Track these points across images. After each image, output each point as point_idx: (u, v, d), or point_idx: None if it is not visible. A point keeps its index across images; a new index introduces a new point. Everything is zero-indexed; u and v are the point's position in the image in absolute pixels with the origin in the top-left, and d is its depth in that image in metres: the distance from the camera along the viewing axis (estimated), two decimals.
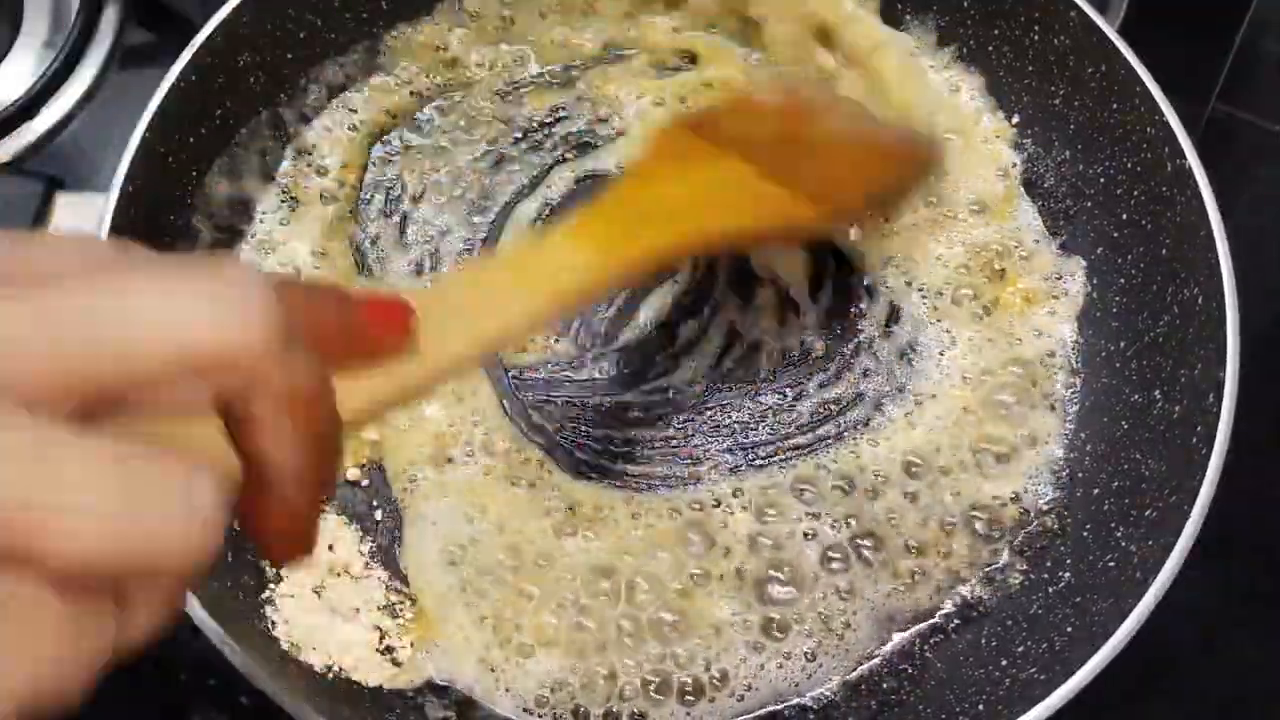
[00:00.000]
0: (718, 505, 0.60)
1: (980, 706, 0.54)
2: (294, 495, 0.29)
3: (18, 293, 0.25)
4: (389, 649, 0.57)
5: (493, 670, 0.56)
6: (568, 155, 0.69)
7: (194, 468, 0.26)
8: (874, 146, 0.63)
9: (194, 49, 0.59)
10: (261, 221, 0.65)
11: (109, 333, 0.25)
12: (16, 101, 0.74)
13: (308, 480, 0.30)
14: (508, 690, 0.56)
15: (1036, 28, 0.66)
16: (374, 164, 0.68)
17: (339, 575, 0.58)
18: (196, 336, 0.26)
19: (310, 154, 0.67)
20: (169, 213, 0.61)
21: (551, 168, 0.68)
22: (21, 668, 0.24)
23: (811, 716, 0.57)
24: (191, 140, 0.61)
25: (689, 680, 0.57)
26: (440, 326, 0.39)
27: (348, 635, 0.57)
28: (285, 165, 0.67)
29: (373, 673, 0.56)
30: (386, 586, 0.58)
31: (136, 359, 0.25)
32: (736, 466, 0.61)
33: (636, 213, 0.52)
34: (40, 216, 0.57)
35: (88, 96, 0.75)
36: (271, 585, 0.57)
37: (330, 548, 0.59)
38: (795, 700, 0.57)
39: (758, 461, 0.61)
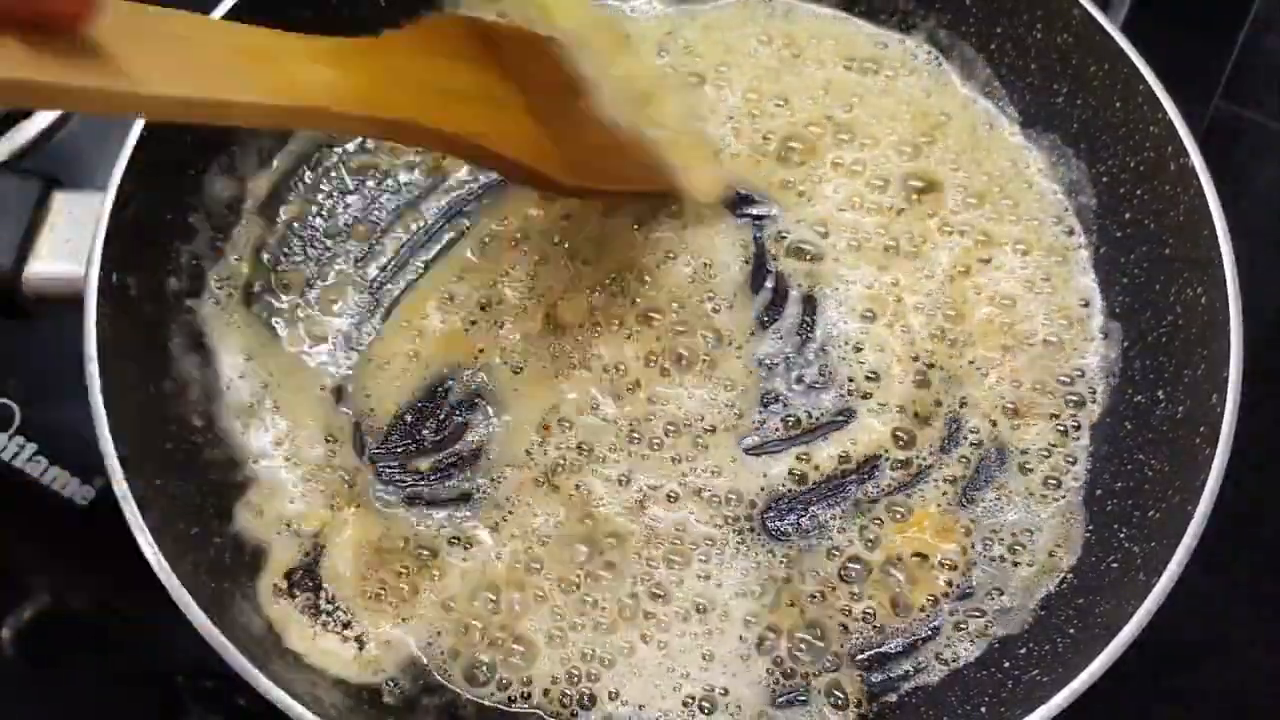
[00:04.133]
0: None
1: (983, 709, 0.54)
2: None
3: None
4: (359, 640, 0.57)
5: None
6: None
7: None
8: (629, 151, 0.60)
9: None
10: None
11: None
12: None
13: None
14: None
15: (1039, 26, 0.65)
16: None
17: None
18: None
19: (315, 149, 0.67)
20: (167, 211, 0.61)
21: None
22: None
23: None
24: (188, 139, 0.61)
25: (682, 690, 0.57)
26: (149, 49, 0.36)
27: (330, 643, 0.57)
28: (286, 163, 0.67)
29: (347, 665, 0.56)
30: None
31: None
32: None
33: (394, 74, 0.48)
34: (37, 216, 0.57)
35: None
36: (271, 585, 0.57)
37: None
38: (798, 704, 0.57)
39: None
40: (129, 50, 0.36)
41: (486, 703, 0.56)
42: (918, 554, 0.59)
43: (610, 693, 0.56)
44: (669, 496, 0.59)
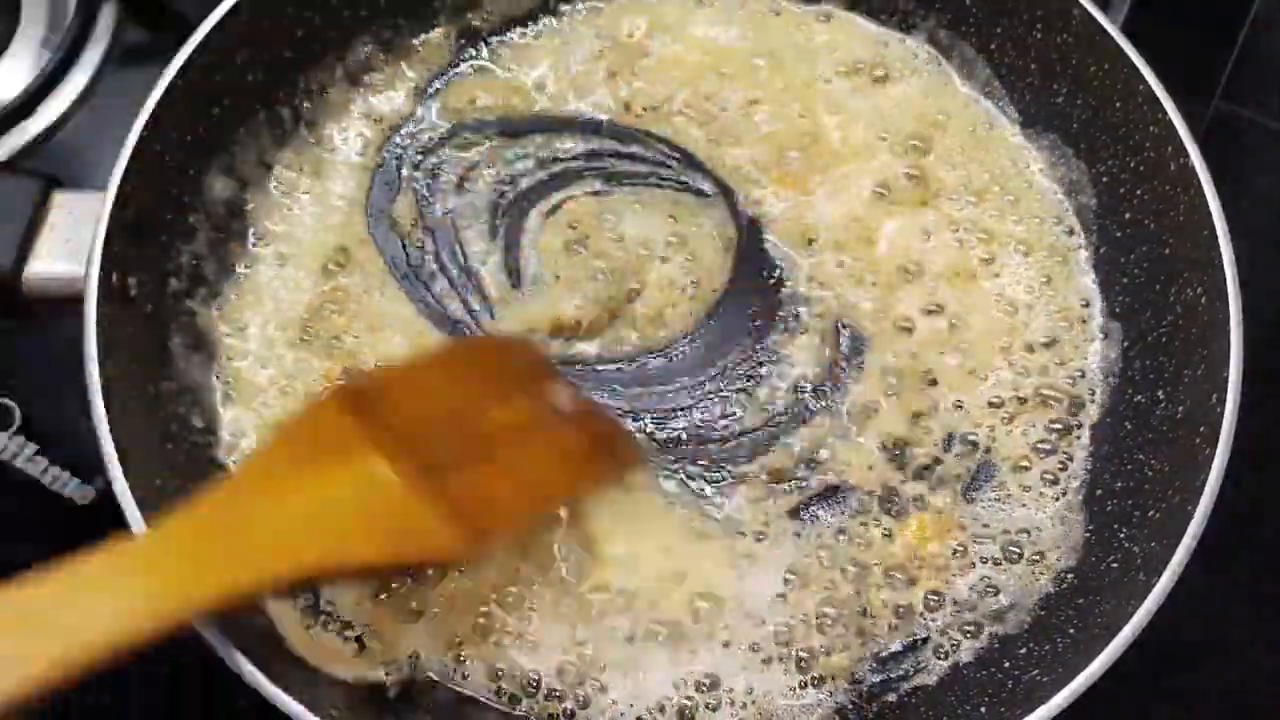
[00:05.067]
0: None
1: (982, 709, 0.54)
2: None
3: None
4: (359, 640, 0.57)
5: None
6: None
7: None
8: (568, 444, 0.56)
9: (191, 47, 0.59)
10: (262, 220, 0.65)
11: None
12: (14, 100, 0.73)
13: None
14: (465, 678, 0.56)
15: (1039, 26, 0.65)
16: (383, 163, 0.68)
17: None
18: None
19: (315, 150, 0.67)
20: (166, 211, 0.61)
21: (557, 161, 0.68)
22: None
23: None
24: (189, 138, 0.61)
25: (689, 689, 0.57)
26: None
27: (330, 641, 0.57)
28: (286, 163, 0.66)
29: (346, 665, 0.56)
30: None
31: None
32: None
33: (228, 534, 0.43)
34: (37, 216, 0.57)
35: (85, 95, 0.75)
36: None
37: None
38: (798, 705, 0.57)
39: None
40: None
41: (486, 702, 0.56)
42: (917, 554, 0.59)
43: (608, 691, 0.56)
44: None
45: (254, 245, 0.65)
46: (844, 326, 0.64)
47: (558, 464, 0.56)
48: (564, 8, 0.71)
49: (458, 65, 0.70)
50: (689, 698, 0.56)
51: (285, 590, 0.49)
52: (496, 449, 0.53)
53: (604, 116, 0.69)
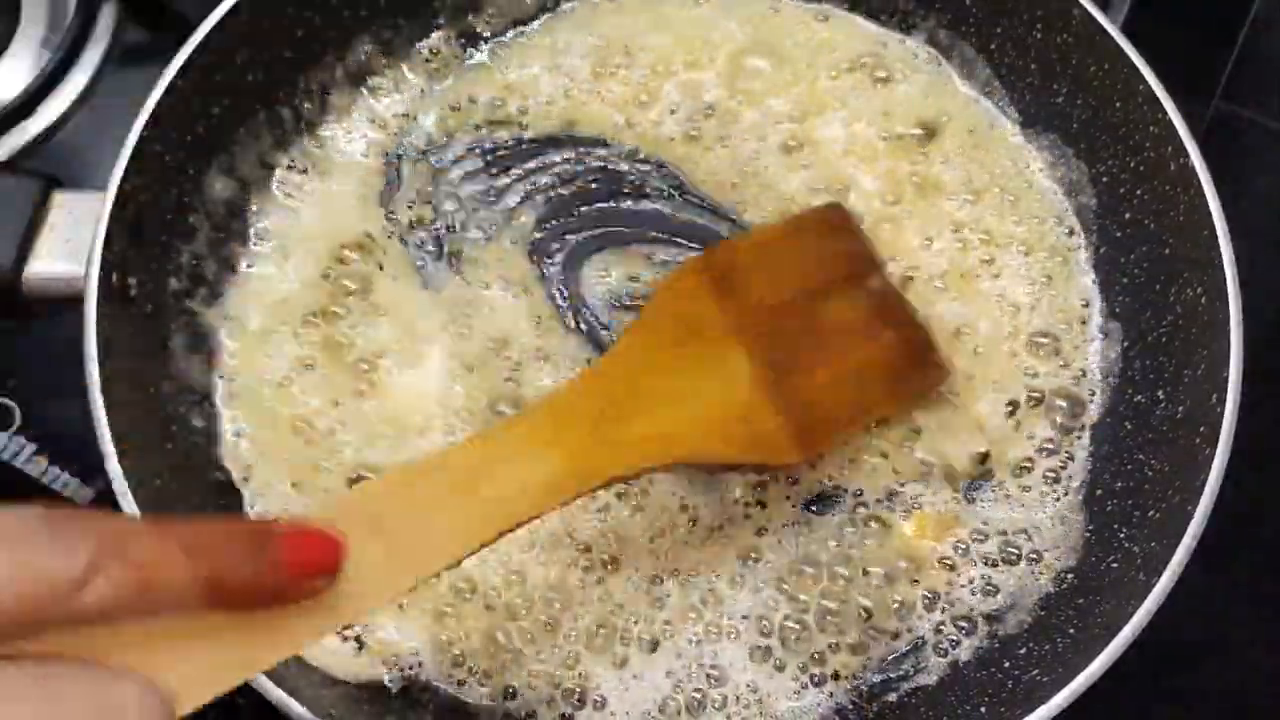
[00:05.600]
0: None
1: (983, 709, 0.54)
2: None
3: None
4: (359, 640, 0.57)
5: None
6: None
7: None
8: (886, 353, 0.56)
9: (191, 47, 0.59)
10: (263, 220, 0.65)
11: None
12: (14, 100, 0.73)
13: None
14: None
15: (1039, 26, 0.65)
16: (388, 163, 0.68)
17: None
18: None
19: (315, 150, 0.67)
20: (167, 211, 0.61)
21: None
22: None
23: None
24: (189, 139, 0.61)
25: (685, 688, 0.57)
26: (365, 556, 0.33)
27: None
28: (286, 163, 0.66)
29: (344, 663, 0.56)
30: None
31: None
32: None
33: (616, 411, 0.45)
34: (37, 215, 0.57)
35: (85, 95, 0.75)
36: None
37: None
38: (797, 706, 0.57)
39: None
40: (354, 573, 0.33)
41: (486, 703, 0.56)
42: (917, 554, 0.59)
43: (607, 692, 0.56)
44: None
45: (255, 245, 0.65)
46: None
47: (883, 375, 0.56)
48: (565, 7, 0.71)
49: (458, 65, 0.70)
50: (688, 698, 0.56)
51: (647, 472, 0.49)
52: (833, 352, 0.53)
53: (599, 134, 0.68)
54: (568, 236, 0.66)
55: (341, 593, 0.33)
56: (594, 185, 0.67)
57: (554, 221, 0.66)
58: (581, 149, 0.68)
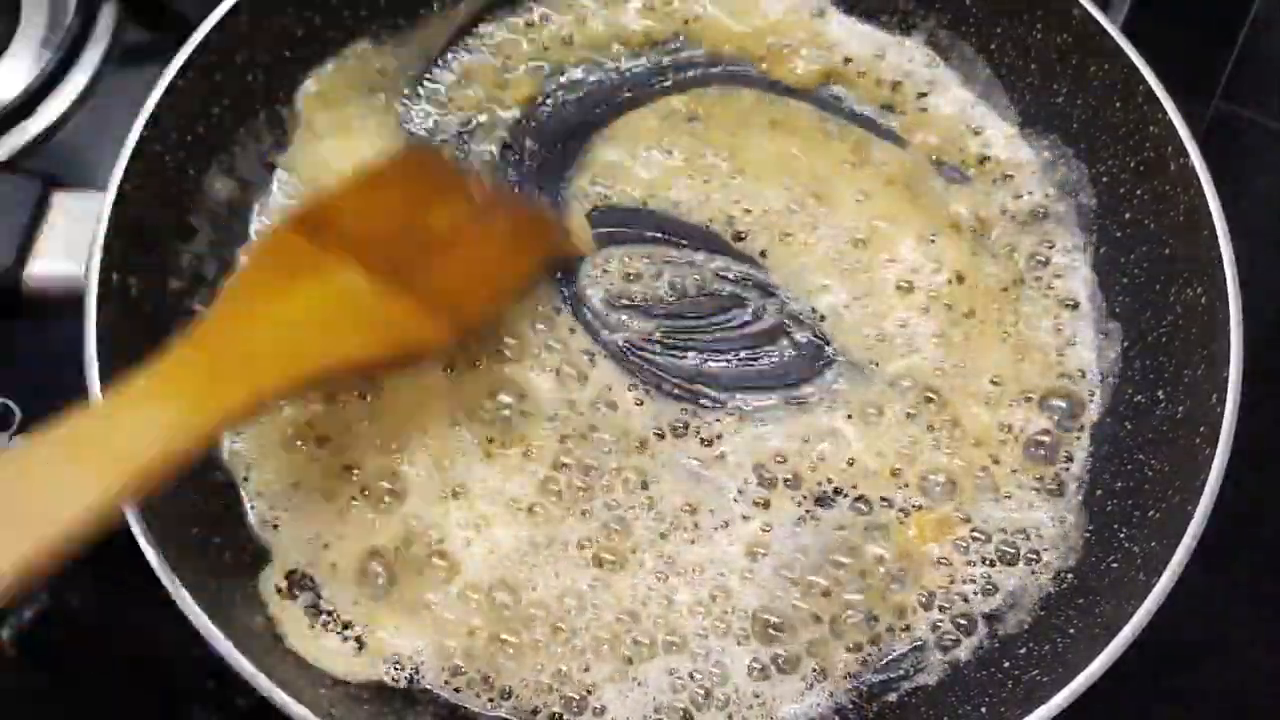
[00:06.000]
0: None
1: (983, 709, 0.54)
2: None
3: None
4: (359, 639, 0.57)
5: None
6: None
7: None
8: (501, 232, 0.60)
9: (191, 47, 0.59)
10: (263, 220, 0.65)
11: None
12: (14, 100, 0.73)
13: None
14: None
15: (1039, 26, 0.65)
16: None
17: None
18: None
19: (315, 150, 0.67)
20: (167, 212, 0.61)
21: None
22: None
23: None
24: (189, 139, 0.61)
25: (686, 689, 0.57)
26: None
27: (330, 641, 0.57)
28: (287, 164, 0.66)
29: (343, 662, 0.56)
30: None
31: None
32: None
33: (232, 350, 0.47)
34: (37, 215, 0.57)
35: (85, 95, 0.75)
36: (272, 585, 0.57)
37: None
38: (798, 707, 0.57)
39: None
40: None
41: (486, 703, 0.56)
42: (917, 554, 0.59)
43: (607, 694, 0.56)
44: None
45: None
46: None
47: (504, 249, 0.60)
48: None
49: (457, 65, 0.70)
50: (689, 699, 0.56)
51: (301, 395, 0.52)
52: (447, 246, 0.57)
53: None
54: None
55: None
56: None
57: None
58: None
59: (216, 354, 0.46)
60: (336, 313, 0.51)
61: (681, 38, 0.71)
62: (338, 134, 0.67)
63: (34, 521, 0.37)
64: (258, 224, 0.65)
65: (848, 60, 0.70)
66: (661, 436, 0.61)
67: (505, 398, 0.61)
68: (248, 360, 0.47)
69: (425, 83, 0.69)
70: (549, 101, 0.69)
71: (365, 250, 0.53)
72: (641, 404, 0.62)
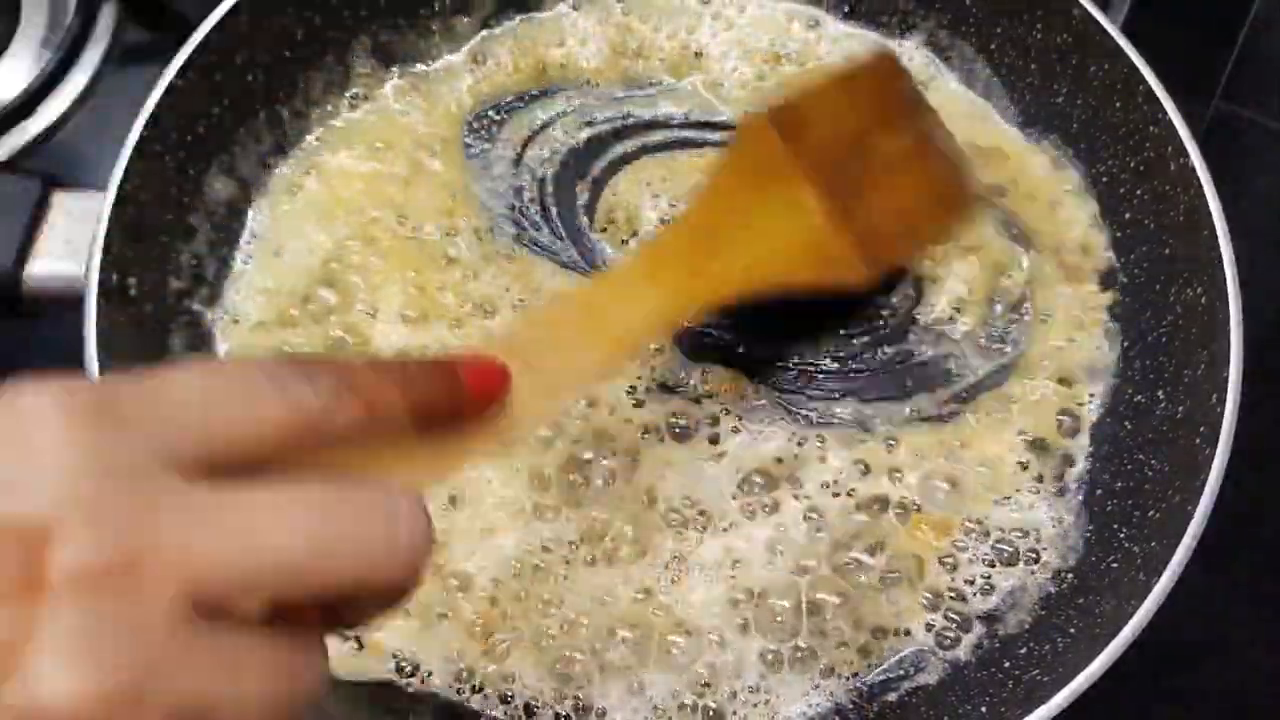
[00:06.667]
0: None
1: (983, 709, 0.54)
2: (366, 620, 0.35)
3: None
4: (359, 639, 0.57)
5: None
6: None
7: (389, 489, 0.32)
8: (939, 174, 0.61)
9: (191, 47, 0.59)
10: (263, 219, 0.65)
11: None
12: (14, 100, 0.73)
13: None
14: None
15: (1039, 25, 0.65)
16: None
17: None
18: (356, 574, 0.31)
19: (315, 150, 0.67)
20: (167, 212, 0.61)
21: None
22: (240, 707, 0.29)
23: None
24: (189, 139, 0.61)
25: (689, 690, 0.57)
26: (520, 385, 0.40)
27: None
28: (286, 163, 0.66)
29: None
30: None
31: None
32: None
33: (707, 249, 0.52)
34: (37, 215, 0.57)
35: (85, 95, 0.75)
36: None
37: None
38: (798, 707, 0.57)
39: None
40: (516, 397, 0.41)
41: (487, 704, 0.56)
42: (916, 553, 0.59)
43: (609, 694, 0.56)
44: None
45: (254, 244, 0.65)
46: None
47: (935, 195, 0.60)
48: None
49: (456, 64, 0.70)
50: (688, 699, 0.56)
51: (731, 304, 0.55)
52: (891, 175, 0.58)
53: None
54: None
55: (504, 416, 0.40)
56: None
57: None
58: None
59: (696, 248, 0.52)
60: (793, 231, 0.54)
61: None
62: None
63: (551, 383, 0.43)
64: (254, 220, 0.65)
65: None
66: (661, 437, 0.61)
67: None
68: (718, 262, 0.52)
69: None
70: None
71: (825, 166, 0.55)
72: (641, 404, 0.62)
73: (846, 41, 0.70)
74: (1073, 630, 0.55)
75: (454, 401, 0.38)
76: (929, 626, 0.58)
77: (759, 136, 0.55)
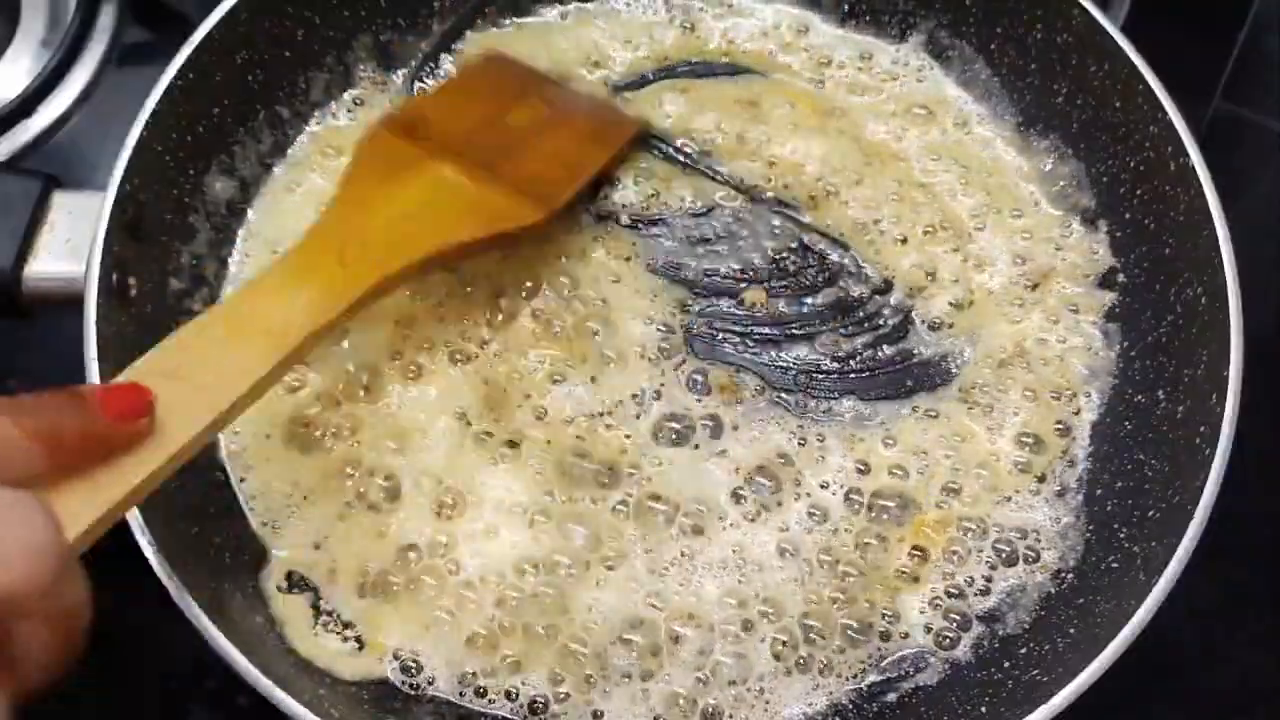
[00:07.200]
0: None
1: (983, 709, 0.54)
2: (39, 680, 0.36)
3: None
4: (360, 639, 0.57)
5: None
6: None
7: None
8: (577, 126, 0.66)
9: (191, 47, 0.59)
10: (263, 219, 0.65)
11: None
12: (14, 100, 0.73)
13: (53, 667, 0.36)
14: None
15: (1039, 26, 0.65)
16: None
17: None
18: None
19: (315, 150, 0.67)
20: (166, 211, 0.61)
21: None
22: None
23: None
24: (189, 139, 0.61)
25: (689, 691, 0.57)
26: (173, 397, 0.41)
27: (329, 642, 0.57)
28: (286, 163, 0.66)
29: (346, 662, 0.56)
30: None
31: None
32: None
33: (355, 240, 0.53)
34: (37, 215, 0.57)
35: (85, 95, 0.75)
36: (272, 585, 0.57)
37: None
38: (798, 707, 0.57)
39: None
40: (164, 418, 0.41)
41: (488, 704, 0.56)
42: (916, 553, 0.59)
43: (610, 694, 0.56)
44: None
45: (254, 245, 0.65)
46: None
47: (581, 139, 0.66)
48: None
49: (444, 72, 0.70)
50: (690, 700, 0.56)
51: (420, 277, 0.58)
52: (529, 139, 0.64)
53: None
54: None
55: (164, 430, 0.41)
56: None
57: None
58: None
59: (342, 242, 0.53)
60: (440, 202, 0.57)
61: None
62: None
63: (209, 391, 0.44)
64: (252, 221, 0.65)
65: (840, 67, 0.70)
66: (662, 438, 0.61)
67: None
68: (370, 247, 0.53)
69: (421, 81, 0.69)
70: None
71: (456, 147, 0.60)
72: (642, 405, 0.62)
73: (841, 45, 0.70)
74: (1073, 630, 0.55)
75: (90, 425, 0.38)
76: (929, 627, 0.58)
77: (380, 142, 0.59)
